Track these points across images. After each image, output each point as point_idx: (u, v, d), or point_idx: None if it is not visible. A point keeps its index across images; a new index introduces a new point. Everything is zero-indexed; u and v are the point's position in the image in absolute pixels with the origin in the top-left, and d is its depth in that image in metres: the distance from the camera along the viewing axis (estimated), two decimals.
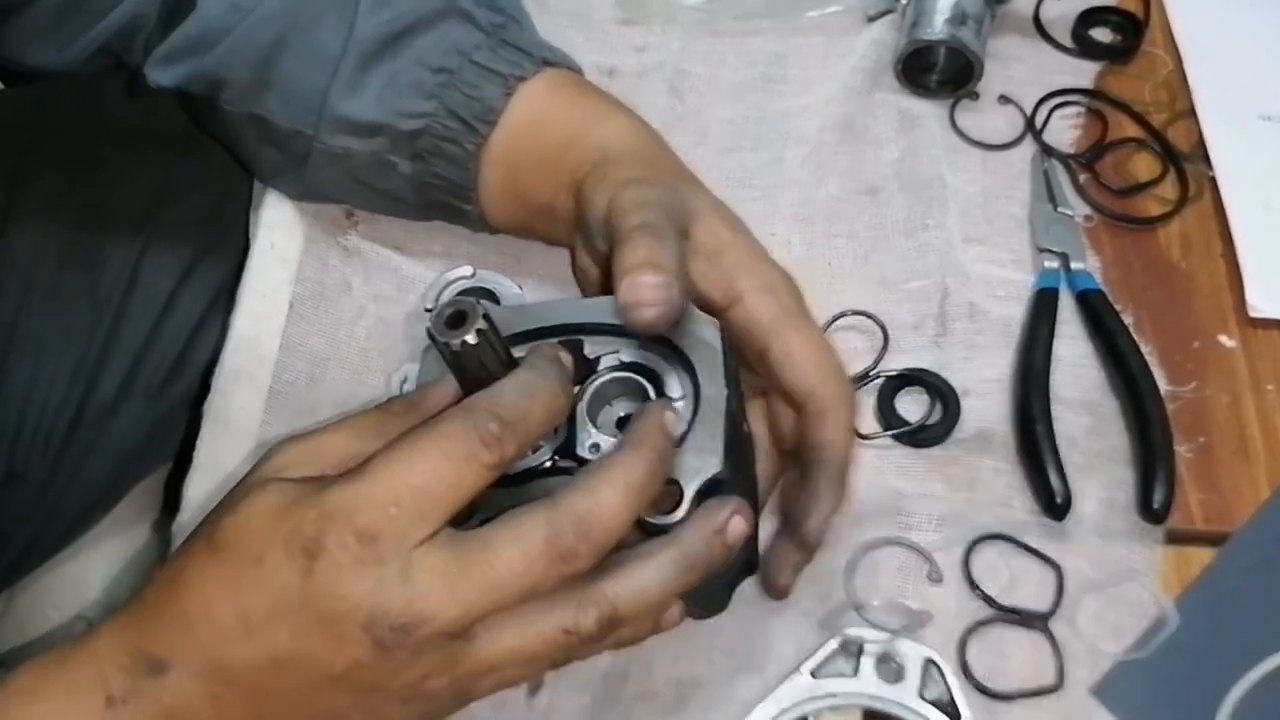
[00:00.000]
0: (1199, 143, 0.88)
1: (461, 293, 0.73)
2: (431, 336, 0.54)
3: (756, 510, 0.64)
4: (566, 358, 0.58)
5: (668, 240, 0.61)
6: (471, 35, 0.73)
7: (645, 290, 0.58)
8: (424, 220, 0.80)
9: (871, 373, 0.78)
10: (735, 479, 0.59)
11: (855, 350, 0.79)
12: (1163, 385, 0.77)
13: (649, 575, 0.54)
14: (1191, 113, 0.90)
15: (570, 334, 0.62)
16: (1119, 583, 0.71)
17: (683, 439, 0.58)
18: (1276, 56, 0.94)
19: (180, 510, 0.75)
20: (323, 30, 0.73)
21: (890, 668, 0.67)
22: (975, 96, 0.91)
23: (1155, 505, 0.72)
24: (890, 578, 0.71)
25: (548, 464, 0.59)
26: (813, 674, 0.67)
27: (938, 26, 0.88)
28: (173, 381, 0.89)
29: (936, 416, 0.76)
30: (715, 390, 0.58)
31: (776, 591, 0.66)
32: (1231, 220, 0.84)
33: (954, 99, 0.90)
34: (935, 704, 0.66)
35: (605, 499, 0.52)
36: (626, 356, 0.61)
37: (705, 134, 0.90)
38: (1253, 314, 0.81)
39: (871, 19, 0.94)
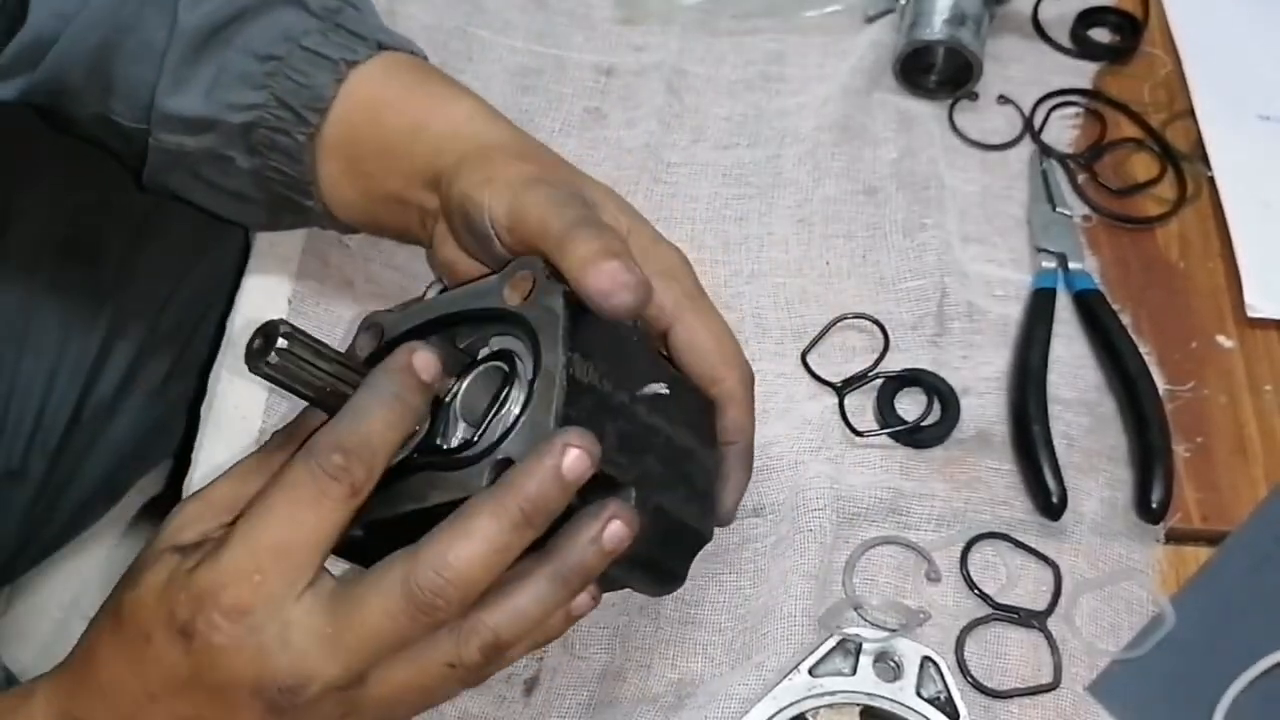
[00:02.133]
0: (1197, 143, 0.89)
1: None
2: (248, 364, 0.54)
3: (698, 474, 0.64)
4: (422, 359, 0.56)
5: (610, 231, 0.61)
6: (303, 21, 0.70)
7: (617, 274, 0.57)
8: (273, 225, 0.77)
9: (871, 373, 0.78)
10: (602, 448, 0.56)
11: (855, 350, 0.79)
12: (1161, 385, 0.77)
13: (526, 599, 0.54)
14: (1190, 113, 0.90)
15: (445, 326, 0.61)
16: (1116, 581, 0.71)
17: (522, 413, 0.56)
18: (1275, 56, 0.94)
19: None
20: (147, 27, 0.71)
21: (888, 666, 0.67)
22: (974, 97, 0.91)
23: (1153, 504, 0.72)
24: (888, 576, 0.71)
25: (414, 456, 0.58)
26: (811, 672, 0.67)
27: (937, 27, 0.88)
28: (171, 380, 0.90)
29: (935, 416, 0.76)
30: (551, 358, 0.57)
31: None
32: (1230, 220, 0.85)
33: (953, 99, 0.91)
34: (933, 702, 0.66)
35: (460, 554, 0.52)
36: (495, 344, 0.60)
37: (702, 131, 0.90)
38: (1251, 314, 0.81)
39: (870, 19, 0.94)
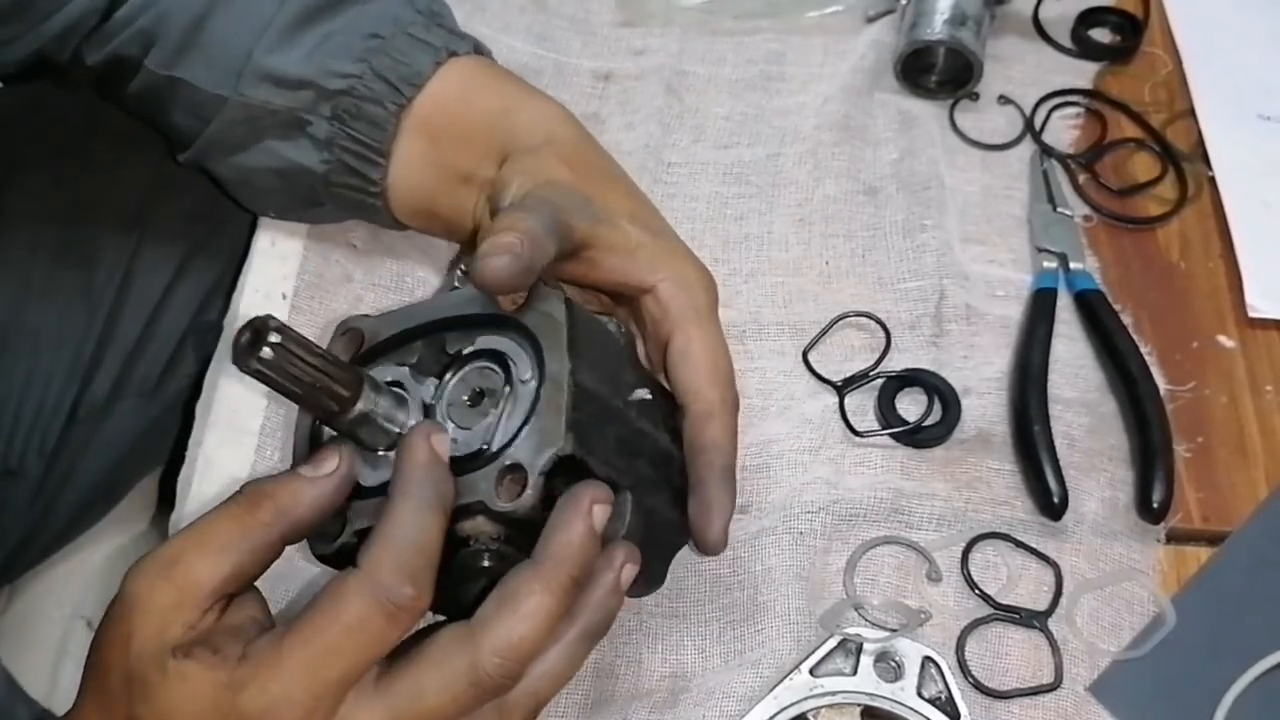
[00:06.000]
0: (1198, 143, 0.89)
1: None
2: (236, 362, 0.53)
3: (677, 478, 0.64)
4: (443, 444, 0.56)
5: (536, 216, 0.61)
6: (409, 14, 0.73)
7: (497, 244, 0.58)
8: (291, 211, 0.79)
9: (872, 373, 0.78)
10: (604, 452, 0.57)
11: (855, 349, 0.79)
12: (1162, 385, 0.77)
13: (560, 662, 0.56)
14: (1191, 113, 0.90)
15: (433, 332, 0.61)
16: (1117, 581, 0.71)
17: (528, 419, 0.56)
18: (1276, 56, 0.94)
19: (177, 507, 0.74)
20: None
21: (889, 666, 0.67)
22: (975, 97, 0.91)
23: (1154, 504, 0.72)
24: (889, 576, 0.71)
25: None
26: (811, 672, 0.67)
27: (937, 27, 0.88)
28: (166, 380, 0.89)
29: (936, 416, 0.76)
30: (558, 364, 0.57)
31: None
32: (1230, 220, 0.85)
33: (953, 99, 0.91)
34: (934, 702, 0.66)
35: (524, 635, 0.54)
36: (483, 345, 0.60)
37: (702, 130, 0.90)
38: (1251, 314, 0.81)
39: (871, 19, 0.94)
